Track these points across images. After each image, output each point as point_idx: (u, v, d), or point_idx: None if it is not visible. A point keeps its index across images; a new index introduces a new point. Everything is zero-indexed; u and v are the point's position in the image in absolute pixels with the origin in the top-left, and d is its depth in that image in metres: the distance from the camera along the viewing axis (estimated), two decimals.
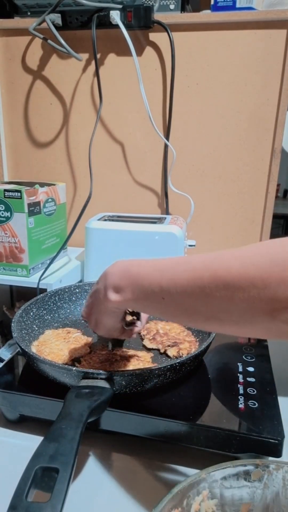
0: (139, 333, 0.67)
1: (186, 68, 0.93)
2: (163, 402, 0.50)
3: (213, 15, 0.88)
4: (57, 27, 0.90)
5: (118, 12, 0.88)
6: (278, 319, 0.34)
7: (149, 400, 0.50)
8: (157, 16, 0.89)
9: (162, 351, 0.62)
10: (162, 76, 0.95)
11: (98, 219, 0.89)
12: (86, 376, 0.48)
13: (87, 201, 0.89)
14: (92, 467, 0.48)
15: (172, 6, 0.90)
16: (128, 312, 0.55)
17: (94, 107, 1.00)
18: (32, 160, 1.07)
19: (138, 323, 0.57)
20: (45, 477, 0.34)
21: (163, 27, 0.89)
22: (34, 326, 0.66)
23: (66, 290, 0.74)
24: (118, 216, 0.93)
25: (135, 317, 0.56)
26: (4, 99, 1.04)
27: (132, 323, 0.55)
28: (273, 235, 0.84)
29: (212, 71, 0.92)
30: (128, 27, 0.88)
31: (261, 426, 0.46)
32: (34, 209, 0.78)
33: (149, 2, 0.89)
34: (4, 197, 0.75)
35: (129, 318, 0.55)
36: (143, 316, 0.58)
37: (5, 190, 0.75)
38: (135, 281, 0.46)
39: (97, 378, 0.48)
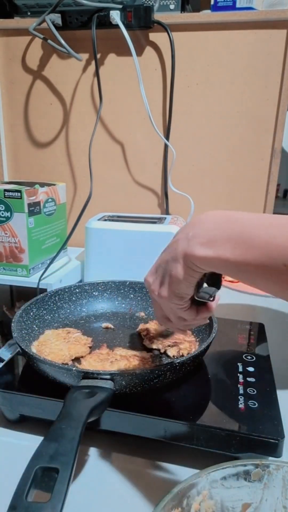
0: (140, 333, 0.66)
1: (186, 68, 0.93)
2: (163, 402, 0.50)
3: (213, 15, 0.88)
4: (57, 27, 0.91)
5: (118, 12, 0.88)
6: None
7: (149, 400, 0.50)
8: (157, 16, 0.89)
9: (162, 351, 0.62)
10: (162, 76, 0.95)
11: (98, 219, 0.89)
12: (86, 376, 0.48)
13: (87, 201, 0.89)
14: (92, 467, 0.48)
15: (172, 6, 0.90)
16: (204, 280, 0.41)
17: (94, 107, 1.00)
18: (32, 160, 1.07)
19: (216, 298, 0.43)
20: (45, 477, 0.34)
21: (163, 27, 0.89)
22: (34, 326, 0.66)
23: (66, 290, 0.74)
24: (118, 216, 0.93)
25: (215, 289, 0.42)
26: (4, 99, 1.04)
27: (207, 296, 0.42)
28: None
29: (212, 71, 0.92)
30: (128, 27, 0.88)
31: (261, 426, 0.46)
32: (34, 209, 0.78)
33: (149, 2, 0.89)
34: (4, 197, 0.75)
35: (202, 290, 0.41)
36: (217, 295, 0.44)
37: (5, 190, 0.75)
38: (244, 230, 0.34)
39: (97, 378, 0.47)
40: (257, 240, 0.33)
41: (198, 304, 0.44)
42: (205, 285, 0.42)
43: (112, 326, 0.69)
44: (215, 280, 0.42)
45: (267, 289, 0.36)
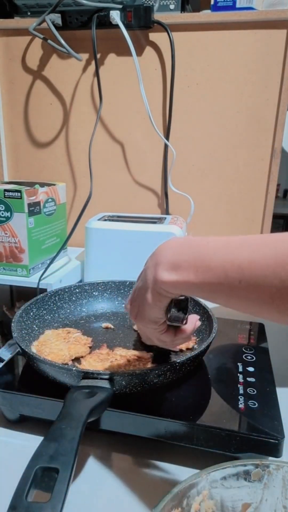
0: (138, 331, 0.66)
1: (186, 68, 0.93)
2: (163, 402, 0.50)
3: (213, 15, 0.88)
4: (57, 27, 0.91)
5: (118, 12, 0.88)
6: None
7: (149, 400, 0.50)
8: (157, 16, 0.89)
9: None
10: (162, 76, 0.95)
11: (98, 219, 0.89)
12: (86, 376, 0.48)
13: (87, 201, 0.89)
14: (92, 467, 0.48)
15: (172, 6, 0.90)
16: (174, 302, 0.44)
17: (94, 107, 1.00)
18: (32, 160, 1.07)
19: (188, 324, 0.47)
20: (45, 477, 0.34)
21: (163, 27, 0.89)
22: (34, 326, 0.66)
23: (66, 290, 0.74)
24: (118, 216, 0.93)
25: (181, 312, 0.45)
26: (4, 99, 1.04)
27: (177, 319, 0.45)
28: None
29: (212, 71, 0.92)
30: (128, 27, 0.88)
31: (261, 426, 0.46)
32: (34, 209, 0.78)
33: (149, 2, 0.89)
34: (4, 197, 0.75)
35: (172, 313, 0.44)
36: (192, 318, 0.49)
37: (5, 190, 0.75)
38: (200, 257, 0.37)
39: (97, 378, 0.47)
40: (214, 262, 0.36)
41: (175, 327, 0.48)
42: (173, 310, 0.45)
43: (112, 326, 0.69)
44: (182, 306, 0.44)
45: (231, 307, 0.38)
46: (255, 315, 0.37)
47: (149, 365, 0.56)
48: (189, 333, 0.49)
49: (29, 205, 0.76)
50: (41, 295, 0.70)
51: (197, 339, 0.64)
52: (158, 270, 0.39)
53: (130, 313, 0.48)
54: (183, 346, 0.60)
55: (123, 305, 0.53)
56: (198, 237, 0.40)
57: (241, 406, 0.49)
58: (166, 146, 0.98)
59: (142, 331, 0.50)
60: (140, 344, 0.64)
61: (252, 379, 0.54)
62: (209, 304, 0.64)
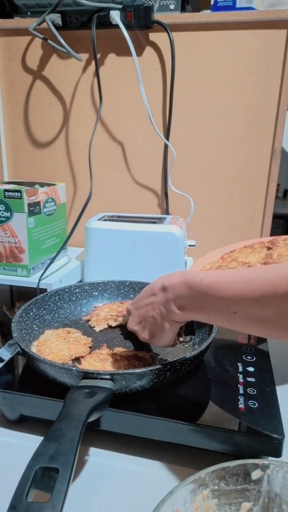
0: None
1: (186, 68, 0.93)
2: (163, 402, 0.50)
3: (213, 15, 0.88)
4: (57, 27, 0.90)
5: (118, 12, 0.88)
6: None
7: (149, 400, 0.50)
8: (157, 16, 0.89)
9: None
10: (162, 76, 0.95)
11: (98, 219, 0.89)
12: (86, 376, 0.48)
13: (87, 201, 0.89)
14: (92, 467, 0.48)
15: (172, 6, 0.90)
16: (183, 329, 0.57)
17: (94, 107, 1.00)
18: (32, 160, 1.07)
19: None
20: (45, 477, 0.34)
21: (163, 27, 0.89)
22: (34, 326, 0.66)
23: (66, 290, 0.74)
24: (118, 216, 0.93)
25: (191, 336, 0.60)
26: (4, 99, 1.04)
27: (188, 340, 0.59)
28: (273, 235, 0.84)
29: (212, 71, 0.92)
30: (128, 27, 0.88)
31: (261, 426, 0.46)
32: (34, 209, 0.78)
33: (149, 2, 0.89)
34: (4, 197, 0.75)
35: (183, 338, 0.59)
36: None
37: (5, 190, 0.75)
38: (202, 293, 0.45)
39: (97, 378, 0.47)
40: (211, 303, 0.44)
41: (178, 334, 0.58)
42: (184, 336, 0.60)
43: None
44: (190, 328, 0.58)
45: (240, 330, 0.46)
46: (267, 337, 0.44)
47: (149, 365, 0.56)
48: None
49: (29, 205, 0.76)
50: (41, 295, 0.70)
51: (197, 339, 0.64)
52: (171, 307, 0.49)
53: (140, 335, 0.57)
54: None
55: (128, 326, 0.60)
56: (193, 274, 0.47)
57: (241, 406, 0.49)
58: (166, 146, 0.98)
59: (158, 344, 0.57)
60: (140, 344, 0.64)
61: (252, 379, 0.54)
62: None
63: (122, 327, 0.69)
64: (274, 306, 0.38)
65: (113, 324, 0.69)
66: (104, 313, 0.72)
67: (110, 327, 0.69)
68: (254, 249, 0.73)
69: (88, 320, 0.71)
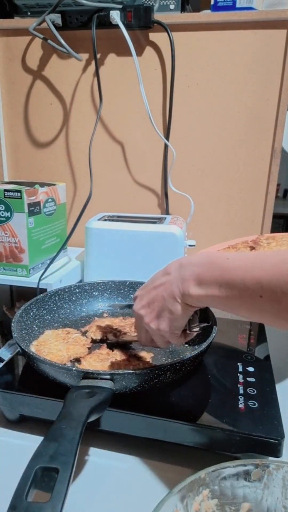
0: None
1: (186, 68, 0.93)
2: (163, 402, 0.50)
3: (213, 15, 0.88)
4: (57, 27, 0.90)
5: (118, 12, 0.88)
6: None
7: (149, 400, 0.50)
8: (157, 16, 0.89)
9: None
10: (162, 76, 0.95)
11: (98, 219, 0.89)
12: (86, 376, 0.48)
13: (87, 201, 0.89)
14: (92, 467, 0.48)
15: (172, 6, 0.90)
16: (197, 315, 0.49)
17: (94, 107, 1.00)
18: (32, 160, 1.07)
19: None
20: (45, 477, 0.34)
21: (163, 27, 0.89)
22: (34, 326, 0.66)
23: (66, 290, 0.74)
24: (118, 216, 0.93)
25: (205, 324, 0.51)
26: (4, 99, 1.04)
27: (198, 329, 0.50)
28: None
29: (212, 71, 0.92)
30: (128, 27, 0.88)
31: (261, 426, 0.46)
32: (34, 209, 0.78)
33: (149, 2, 0.89)
34: (4, 197, 0.75)
35: (197, 324, 0.50)
36: None
37: (5, 190, 0.75)
38: (224, 273, 0.40)
39: (97, 378, 0.47)
40: (235, 278, 0.39)
41: (184, 331, 0.50)
42: (197, 322, 0.50)
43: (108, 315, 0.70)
44: (205, 316, 0.51)
45: (254, 319, 0.42)
46: (282, 328, 0.40)
47: (149, 365, 0.56)
48: (195, 334, 0.52)
49: (29, 205, 0.76)
50: (41, 295, 0.70)
51: (197, 339, 0.64)
52: (186, 285, 0.43)
53: (144, 319, 0.49)
54: None
55: (133, 309, 0.52)
56: (219, 253, 0.43)
57: (241, 406, 0.49)
58: (166, 146, 0.98)
59: (146, 333, 0.52)
60: (140, 344, 0.64)
61: (252, 379, 0.54)
62: None
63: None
64: None
65: (111, 338, 0.64)
66: (105, 325, 0.68)
67: (106, 339, 0.64)
68: (238, 249, 0.72)
69: (86, 331, 0.67)
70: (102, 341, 0.64)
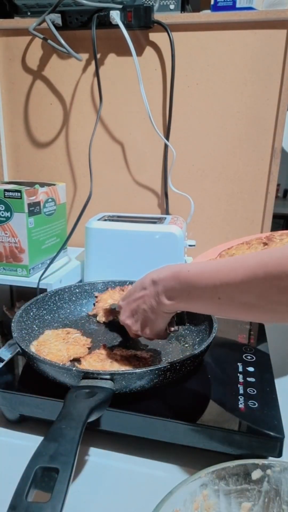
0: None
1: (186, 68, 0.93)
2: (163, 402, 0.50)
3: (213, 15, 0.88)
4: (57, 27, 0.90)
5: (118, 12, 0.88)
6: None
7: (149, 400, 0.50)
8: (157, 16, 0.89)
9: None
10: (162, 76, 0.95)
11: (98, 219, 0.89)
12: (86, 376, 0.48)
13: (87, 201, 0.89)
14: (92, 467, 0.48)
15: (172, 6, 0.90)
16: (174, 319, 0.57)
17: (94, 107, 1.00)
18: (32, 160, 1.07)
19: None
20: (45, 477, 0.34)
21: (163, 27, 0.89)
22: (34, 326, 0.66)
23: (66, 290, 0.74)
24: (118, 216, 0.93)
25: (181, 326, 0.59)
26: (4, 99, 1.04)
27: (177, 329, 0.59)
28: None
29: (212, 71, 0.92)
30: (128, 27, 0.88)
31: (261, 426, 0.46)
32: (34, 209, 0.78)
33: (149, 2, 0.89)
34: (4, 197, 0.75)
35: (174, 328, 0.58)
36: None
37: (5, 190, 0.75)
38: (189, 283, 0.47)
39: (97, 378, 0.48)
40: (199, 285, 0.46)
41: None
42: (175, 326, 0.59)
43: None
44: (180, 318, 0.58)
45: (221, 315, 0.50)
46: (237, 319, 0.51)
47: (149, 365, 0.56)
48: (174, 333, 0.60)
49: (29, 205, 0.76)
50: (41, 295, 0.70)
51: (197, 339, 0.64)
52: (160, 299, 0.51)
53: (132, 328, 0.58)
54: None
55: (120, 320, 0.61)
56: (179, 266, 0.50)
57: (241, 406, 0.49)
58: (166, 146, 0.98)
59: (149, 335, 0.58)
60: (140, 344, 0.64)
61: (252, 379, 0.54)
62: None
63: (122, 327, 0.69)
64: (254, 289, 0.41)
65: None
66: (108, 305, 0.72)
67: (115, 318, 0.70)
68: (251, 245, 0.74)
69: (95, 315, 0.72)
70: (111, 322, 0.70)
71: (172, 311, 0.54)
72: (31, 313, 0.66)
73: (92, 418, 0.43)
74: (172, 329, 0.57)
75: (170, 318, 0.55)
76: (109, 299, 0.73)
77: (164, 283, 0.51)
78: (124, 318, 0.59)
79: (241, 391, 0.52)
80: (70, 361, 0.58)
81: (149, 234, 0.82)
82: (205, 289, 0.45)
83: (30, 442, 0.50)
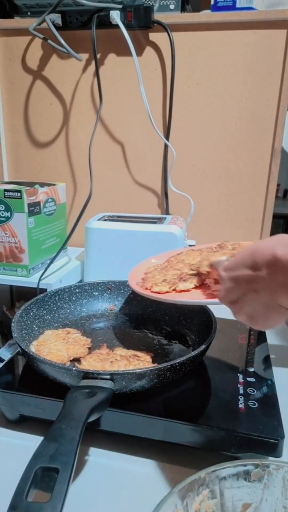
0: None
1: (186, 68, 0.93)
2: (163, 402, 0.50)
3: (213, 15, 0.88)
4: (57, 27, 0.91)
5: (118, 12, 0.88)
6: None
7: (149, 400, 0.50)
8: (157, 16, 0.89)
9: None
10: (162, 76, 0.95)
11: (98, 219, 0.89)
12: (86, 376, 0.48)
13: (87, 201, 0.89)
14: (92, 467, 0.48)
15: (172, 6, 0.90)
16: None
17: (94, 107, 1.00)
18: (32, 160, 1.07)
19: None
20: (45, 477, 0.34)
21: (163, 27, 0.89)
22: (34, 326, 0.66)
23: (66, 290, 0.74)
24: (118, 216, 0.93)
25: None
26: (4, 99, 1.04)
27: None
28: (273, 235, 0.84)
29: (212, 71, 0.92)
30: (128, 27, 0.88)
31: (261, 426, 0.46)
32: (34, 209, 0.78)
33: (149, 2, 0.89)
34: (4, 197, 0.75)
35: None
36: None
37: (5, 190, 0.75)
38: None
39: (97, 378, 0.47)
40: None
41: None
42: None
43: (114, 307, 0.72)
44: None
45: None
46: None
47: (149, 365, 0.56)
48: None
49: (29, 205, 0.76)
50: (41, 295, 0.70)
51: (197, 339, 0.64)
52: (278, 296, 0.37)
53: (233, 313, 0.45)
54: None
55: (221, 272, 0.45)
56: None
57: (241, 406, 0.49)
58: (166, 146, 0.98)
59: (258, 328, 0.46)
60: (140, 344, 0.64)
61: (252, 379, 0.54)
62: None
63: (122, 327, 0.69)
64: None
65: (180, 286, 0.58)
66: (160, 279, 0.62)
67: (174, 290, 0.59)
68: (202, 252, 0.70)
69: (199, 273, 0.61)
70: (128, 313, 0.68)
71: None
72: (31, 313, 0.66)
73: (92, 418, 0.43)
74: None
75: None
76: (157, 275, 0.63)
77: None
78: (225, 301, 0.44)
79: (241, 391, 0.52)
80: (70, 361, 0.58)
81: (149, 234, 0.82)
82: None
83: (30, 442, 0.50)
